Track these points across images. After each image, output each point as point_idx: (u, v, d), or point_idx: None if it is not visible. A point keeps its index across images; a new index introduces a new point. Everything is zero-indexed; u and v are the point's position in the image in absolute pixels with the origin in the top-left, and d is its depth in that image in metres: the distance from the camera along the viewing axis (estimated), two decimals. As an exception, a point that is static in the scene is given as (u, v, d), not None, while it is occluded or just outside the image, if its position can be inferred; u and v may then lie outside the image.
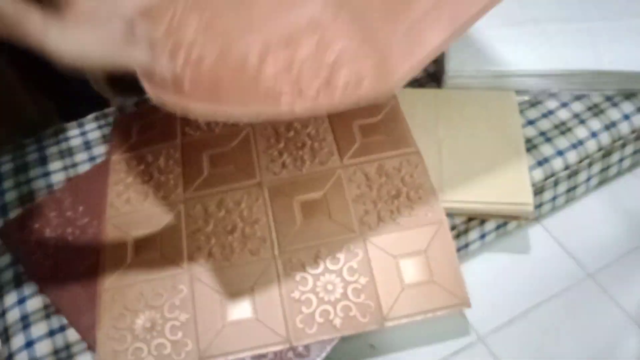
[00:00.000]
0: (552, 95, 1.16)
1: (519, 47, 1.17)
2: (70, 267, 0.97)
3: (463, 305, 0.87)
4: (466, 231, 1.04)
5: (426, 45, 0.64)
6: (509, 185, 0.99)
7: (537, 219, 1.16)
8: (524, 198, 0.97)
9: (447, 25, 0.64)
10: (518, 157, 1.03)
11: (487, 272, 1.10)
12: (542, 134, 1.10)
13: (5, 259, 1.01)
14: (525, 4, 1.26)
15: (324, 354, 0.87)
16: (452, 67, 1.17)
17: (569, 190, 1.14)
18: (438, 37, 0.64)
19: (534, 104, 1.16)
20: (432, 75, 1.24)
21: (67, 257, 0.99)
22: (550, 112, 1.14)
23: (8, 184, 1.13)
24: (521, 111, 1.14)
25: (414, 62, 0.64)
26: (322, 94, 0.63)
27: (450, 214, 1.00)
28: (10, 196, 1.10)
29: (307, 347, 0.88)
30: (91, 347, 0.88)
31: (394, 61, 0.64)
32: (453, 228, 1.01)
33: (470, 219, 1.02)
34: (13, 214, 1.07)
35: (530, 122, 1.12)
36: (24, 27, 0.62)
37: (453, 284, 0.88)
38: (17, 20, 0.62)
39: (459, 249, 1.06)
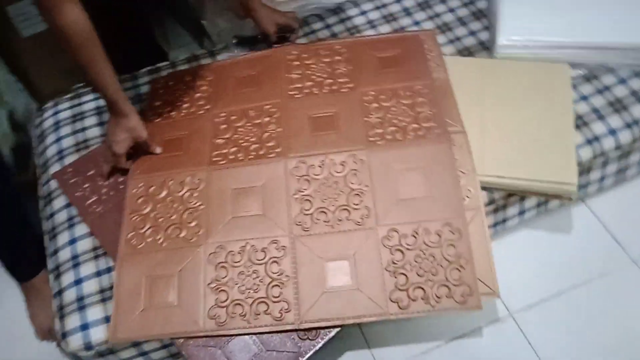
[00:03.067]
0: (610, 70, 1.11)
1: (577, 17, 1.12)
2: (119, 213, 1.03)
3: (492, 295, 0.87)
4: (505, 207, 1.03)
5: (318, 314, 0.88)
6: (553, 163, 0.96)
7: (583, 199, 1.13)
8: (568, 177, 0.94)
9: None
10: (566, 134, 1.00)
11: (524, 249, 1.09)
12: (595, 110, 1.06)
13: (60, 201, 1.08)
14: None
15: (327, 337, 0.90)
16: (503, 36, 1.13)
17: (619, 172, 1.10)
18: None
19: (589, 78, 1.11)
20: (484, 44, 1.21)
21: (116, 204, 1.04)
22: (606, 88, 1.09)
23: (65, 130, 1.19)
24: (574, 86, 1.09)
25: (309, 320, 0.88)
26: None
27: (490, 188, 0.98)
28: (67, 142, 1.17)
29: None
30: (133, 289, 0.94)
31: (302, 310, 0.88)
32: (491, 202, 1.00)
33: (510, 194, 1.00)
34: (69, 159, 1.13)
35: (583, 98, 1.08)
36: None
37: (484, 272, 0.88)
38: None
39: (495, 224, 1.06)
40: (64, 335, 0.93)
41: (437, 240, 0.90)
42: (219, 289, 0.91)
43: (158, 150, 1.07)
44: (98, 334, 0.91)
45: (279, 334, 0.89)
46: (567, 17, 1.13)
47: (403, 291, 0.87)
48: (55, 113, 1.24)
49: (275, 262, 0.92)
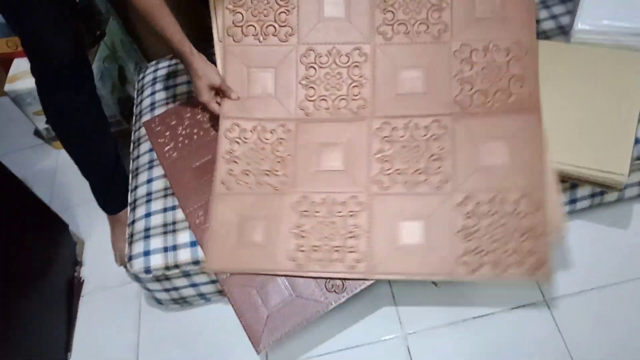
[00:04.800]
0: (698, 63, 1.03)
1: (663, 4, 1.05)
2: (190, 160, 1.15)
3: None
4: (554, 193, 1.01)
5: (400, 266, 0.95)
6: (606, 152, 0.93)
7: (648, 196, 1.07)
8: (617, 167, 0.90)
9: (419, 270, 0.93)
10: (628, 124, 0.95)
11: (574, 239, 1.05)
12: (670, 104, 1.00)
13: (145, 146, 1.23)
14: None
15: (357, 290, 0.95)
16: (582, 20, 1.09)
17: (690, 171, 1.02)
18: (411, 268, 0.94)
19: (671, 70, 1.04)
20: (563, 28, 1.17)
21: (189, 152, 1.16)
22: (688, 82, 1.01)
23: (159, 86, 1.34)
24: (653, 76, 1.03)
25: (389, 272, 0.95)
26: None
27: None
28: (160, 96, 1.31)
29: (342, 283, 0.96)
30: (191, 227, 1.05)
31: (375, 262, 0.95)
32: (538, 186, 0.98)
33: (562, 180, 0.98)
34: (159, 111, 1.28)
35: (660, 90, 1.01)
36: None
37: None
38: None
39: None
40: (130, 258, 1.07)
41: (513, 210, 0.92)
42: (300, 235, 0.99)
43: (234, 96, 1.10)
44: (157, 260, 1.04)
45: (311, 284, 0.97)
46: (653, 3, 1.06)
47: (473, 255, 0.91)
48: (155, 71, 1.39)
49: (352, 215, 0.99)
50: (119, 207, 1.32)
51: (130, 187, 1.21)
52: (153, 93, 1.33)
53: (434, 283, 1.07)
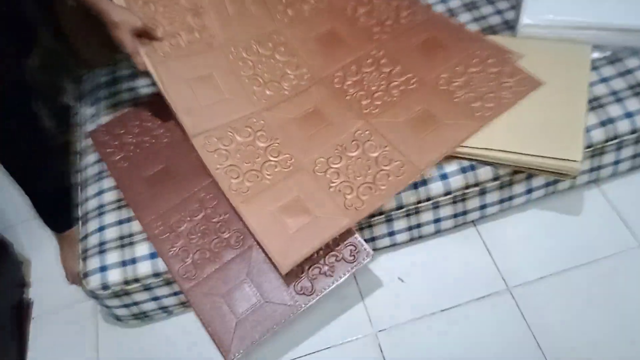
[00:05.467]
0: (635, 53, 1.09)
1: (603, -2, 1.10)
2: (142, 169, 1.10)
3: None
4: (511, 184, 1.04)
5: (432, 155, 0.99)
6: (559, 141, 0.96)
7: (596, 182, 1.11)
8: (572, 155, 0.94)
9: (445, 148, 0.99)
10: (577, 113, 0.99)
11: (530, 227, 1.09)
12: (614, 93, 1.04)
13: (92, 157, 1.17)
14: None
15: (346, 275, 0.94)
16: (527, 15, 1.13)
17: (635, 157, 1.08)
18: (438, 152, 0.99)
19: (612, 61, 1.09)
20: (508, 23, 1.20)
21: (140, 160, 1.12)
22: (628, 72, 1.07)
23: (102, 93, 1.28)
24: (596, 67, 1.08)
25: (430, 161, 0.99)
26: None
27: (495, 164, 0.99)
28: (103, 105, 1.26)
29: (332, 267, 0.96)
30: (150, 239, 1.01)
31: (415, 161, 0.99)
32: (496, 179, 1.01)
33: (516, 171, 1.01)
34: (103, 120, 1.22)
35: (603, 80, 1.06)
36: None
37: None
38: None
39: (502, 201, 1.07)
40: (85, 275, 1.01)
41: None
42: (345, 185, 0.98)
43: (159, 33, 1.06)
44: (115, 275, 1.00)
45: (277, 287, 0.95)
46: (593, -2, 1.11)
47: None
48: (94, 79, 1.33)
49: (370, 141, 1.03)
50: (68, 224, 1.25)
51: (79, 201, 1.15)
52: (95, 101, 1.28)
53: (400, 279, 1.08)
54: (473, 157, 1.00)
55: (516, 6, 1.20)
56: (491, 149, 0.98)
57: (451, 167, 1.01)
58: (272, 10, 1.21)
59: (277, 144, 1.05)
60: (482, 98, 1.04)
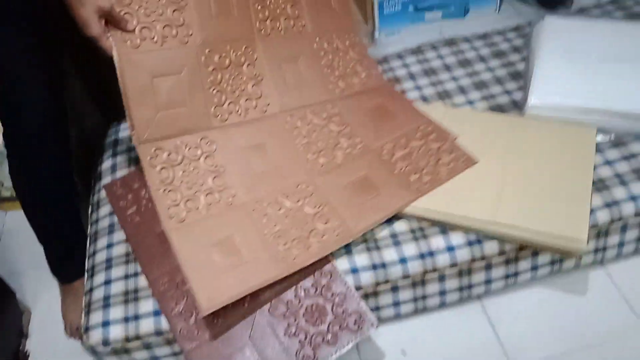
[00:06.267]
0: (639, 138, 1.12)
1: (608, 84, 1.14)
2: (154, 224, 1.11)
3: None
4: (516, 260, 1.04)
5: (368, 221, 1.00)
6: (564, 219, 0.97)
7: (601, 262, 1.12)
8: (578, 234, 0.95)
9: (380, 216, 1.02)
10: (582, 194, 1.01)
11: (536, 305, 1.08)
12: (618, 176, 1.07)
13: (106, 209, 1.19)
14: (618, 42, 1.22)
15: (350, 345, 0.93)
16: (534, 96, 1.17)
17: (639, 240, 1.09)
18: (373, 219, 1.01)
19: (616, 144, 1.12)
20: (516, 103, 1.25)
21: (153, 216, 1.12)
22: (633, 156, 1.10)
23: (121, 147, 1.32)
24: (601, 150, 1.11)
25: (365, 227, 1.00)
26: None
27: (502, 240, 1.01)
28: (121, 158, 1.29)
29: (335, 336, 0.95)
30: (155, 295, 1.01)
31: (350, 225, 1.00)
32: (502, 253, 1.02)
33: (521, 247, 1.02)
34: (120, 173, 1.25)
35: (608, 162, 1.09)
36: None
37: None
38: None
39: (507, 277, 1.07)
40: (86, 329, 1.01)
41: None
42: (277, 236, 0.97)
43: (130, 26, 0.97)
44: (116, 331, 0.99)
45: (279, 354, 0.94)
46: (598, 83, 1.16)
47: None
48: (117, 132, 1.37)
49: (308, 199, 1.03)
50: (76, 275, 1.26)
51: (88, 253, 1.16)
52: (114, 155, 1.31)
53: (403, 352, 1.07)
54: (479, 231, 1.01)
55: (524, 87, 1.25)
56: (497, 223, 0.99)
57: (458, 240, 1.02)
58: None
59: (222, 171, 1.03)
60: (420, 171, 1.08)
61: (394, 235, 1.04)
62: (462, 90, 1.31)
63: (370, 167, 1.10)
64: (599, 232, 1.04)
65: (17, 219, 1.48)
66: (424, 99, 1.31)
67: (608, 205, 1.03)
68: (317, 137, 1.14)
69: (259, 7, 1.15)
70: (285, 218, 1.00)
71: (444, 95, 1.30)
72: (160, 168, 1.00)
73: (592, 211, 1.02)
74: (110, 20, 0.95)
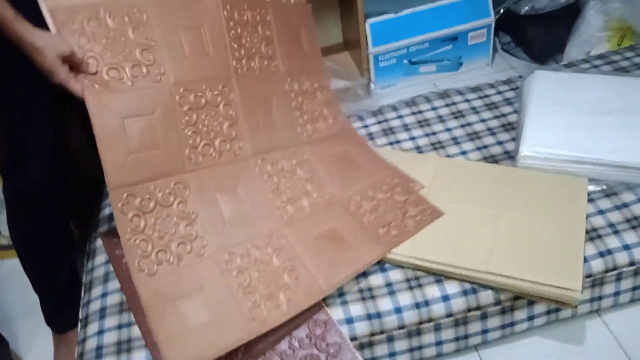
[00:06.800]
0: (630, 188, 1.13)
1: (598, 135, 1.17)
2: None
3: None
4: (512, 309, 1.04)
5: (339, 276, 1.00)
6: (558, 269, 0.98)
7: (598, 312, 1.11)
8: (572, 284, 0.95)
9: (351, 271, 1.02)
10: (575, 243, 1.02)
11: (533, 355, 1.07)
12: (611, 225, 1.08)
13: (102, 257, 1.19)
14: (607, 95, 1.26)
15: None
16: (526, 147, 1.19)
17: (635, 289, 1.09)
18: (344, 273, 1.01)
19: (608, 194, 1.13)
20: (509, 153, 1.27)
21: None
22: (625, 205, 1.11)
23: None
24: (593, 200, 1.12)
25: (336, 282, 1.00)
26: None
27: (496, 289, 1.01)
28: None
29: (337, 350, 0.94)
30: (147, 345, 1.00)
31: (321, 281, 0.99)
32: (497, 303, 1.02)
33: (517, 297, 1.01)
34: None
35: (600, 212, 1.10)
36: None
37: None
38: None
39: (503, 326, 1.06)
40: (78, 380, 0.99)
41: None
42: (247, 292, 0.94)
43: (92, 68, 0.93)
44: (108, 383, 0.98)
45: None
46: (588, 134, 1.18)
47: None
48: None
49: (278, 250, 1.01)
50: (70, 325, 1.24)
51: (82, 302, 1.15)
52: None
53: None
54: (474, 280, 1.01)
55: (516, 138, 1.28)
56: (491, 273, 0.99)
57: (453, 289, 1.02)
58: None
59: (194, 217, 0.99)
60: (388, 225, 1.08)
61: (389, 284, 1.04)
62: (455, 141, 1.33)
63: (339, 220, 1.09)
64: (594, 281, 1.04)
65: (13, 267, 1.48)
66: (418, 149, 1.33)
67: (602, 254, 1.04)
68: (286, 184, 1.12)
69: (236, 46, 1.12)
70: (256, 272, 0.98)
71: (437, 146, 1.33)
72: (133, 215, 0.94)
73: (586, 260, 1.02)
74: (73, 65, 0.92)
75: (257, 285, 0.96)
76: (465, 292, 1.01)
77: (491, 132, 1.34)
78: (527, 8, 1.81)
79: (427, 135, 1.37)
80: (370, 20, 1.71)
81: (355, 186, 1.16)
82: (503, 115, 1.39)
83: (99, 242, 1.23)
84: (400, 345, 1.04)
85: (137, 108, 0.97)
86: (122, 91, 0.96)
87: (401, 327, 1.01)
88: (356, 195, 1.14)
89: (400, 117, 1.44)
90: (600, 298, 1.08)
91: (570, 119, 1.23)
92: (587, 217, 1.09)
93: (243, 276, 0.97)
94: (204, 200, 1.02)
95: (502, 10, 1.86)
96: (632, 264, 1.04)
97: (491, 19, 1.81)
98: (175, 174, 1.01)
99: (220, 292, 0.94)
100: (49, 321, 1.25)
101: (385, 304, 1.01)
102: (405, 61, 1.83)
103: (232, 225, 1.03)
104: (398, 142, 1.36)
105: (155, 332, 0.88)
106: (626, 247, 1.04)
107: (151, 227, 0.95)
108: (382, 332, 1.01)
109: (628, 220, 1.08)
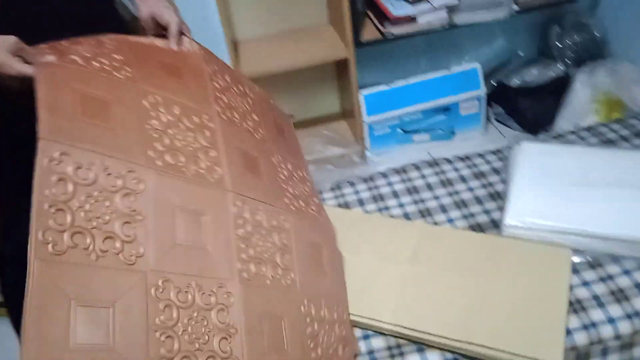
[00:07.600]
0: (615, 260, 1.13)
1: (583, 206, 1.18)
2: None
3: None
4: (494, 382, 1.02)
5: None
6: (539, 341, 0.97)
7: (586, 387, 1.08)
8: (552, 357, 0.94)
9: None
10: (557, 315, 1.01)
11: None
12: (595, 297, 1.07)
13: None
14: (592, 167, 1.28)
15: None
16: (510, 216, 1.20)
17: (622, 364, 1.06)
18: None
19: (593, 265, 1.13)
20: (495, 222, 1.28)
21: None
22: (610, 277, 1.10)
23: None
24: (577, 271, 1.12)
25: None
26: None
27: (475, 358, 0.99)
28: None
29: None
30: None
31: None
32: (479, 375, 1.00)
33: (498, 369, 1.00)
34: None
35: (585, 284, 1.10)
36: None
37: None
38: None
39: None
40: None
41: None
42: (167, 335, 0.73)
43: (50, 58, 0.85)
44: None
45: None
46: (573, 205, 1.19)
47: None
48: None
49: (222, 310, 0.82)
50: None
51: None
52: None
53: None
54: (455, 350, 1.00)
55: (503, 207, 1.29)
56: (472, 343, 0.98)
57: (434, 358, 1.00)
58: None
59: (137, 221, 0.79)
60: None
61: (370, 352, 1.03)
62: (443, 208, 1.35)
63: (289, 317, 0.94)
64: (579, 355, 1.02)
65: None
66: (406, 216, 1.35)
67: (586, 327, 1.02)
68: (257, 242, 0.96)
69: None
70: (187, 318, 0.77)
71: (425, 213, 1.34)
72: (58, 178, 0.73)
73: (569, 333, 1.01)
74: (25, 55, 0.85)
75: (180, 334, 0.75)
76: (446, 362, 1.00)
77: (478, 200, 1.36)
78: (518, 81, 1.87)
79: (415, 202, 1.39)
80: (363, 91, 1.78)
81: (315, 298, 1.01)
82: (490, 184, 1.41)
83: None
84: (380, 417, 1.02)
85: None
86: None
87: (380, 398, 0.99)
88: (310, 303, 0.99)
89: (390, 184, 1.47)
90: (586, 373, 1.05)
91: (555, 189, 1.25)
92: (571, 289, 1.08)
93: (169, 314, 0.76)
94: (158, 207, 0.83)
95: (494, 83, 1.93)
96: (617, 337, 1.02)
97: (482, 91, 1.87)
98: (131, 162, 0.83)
99: (134, 318, 0.72)
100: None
101: (365, 373, 1.00)
102: (399, 130, 1.88)
103: (183, 251, 0.83)
104: (387, 208, 1.38)
105: (25, 337, 0.63)
106: (611, 320, 1.03)
107: (79, 201, 0.73)
108: (360, 403, 0.99)
109: (613, 293, 1.07)
